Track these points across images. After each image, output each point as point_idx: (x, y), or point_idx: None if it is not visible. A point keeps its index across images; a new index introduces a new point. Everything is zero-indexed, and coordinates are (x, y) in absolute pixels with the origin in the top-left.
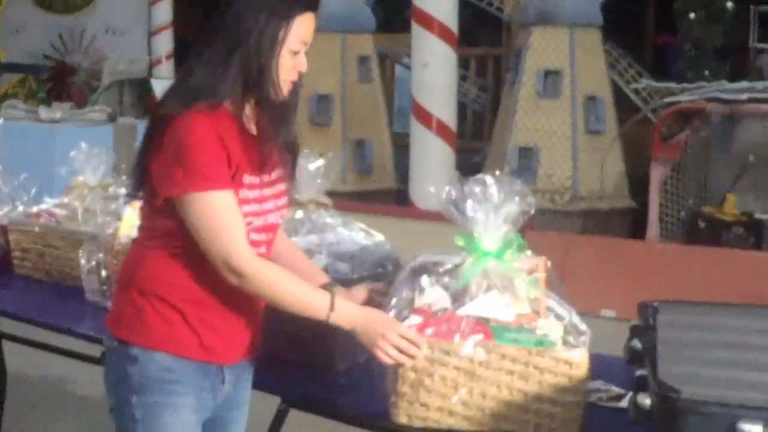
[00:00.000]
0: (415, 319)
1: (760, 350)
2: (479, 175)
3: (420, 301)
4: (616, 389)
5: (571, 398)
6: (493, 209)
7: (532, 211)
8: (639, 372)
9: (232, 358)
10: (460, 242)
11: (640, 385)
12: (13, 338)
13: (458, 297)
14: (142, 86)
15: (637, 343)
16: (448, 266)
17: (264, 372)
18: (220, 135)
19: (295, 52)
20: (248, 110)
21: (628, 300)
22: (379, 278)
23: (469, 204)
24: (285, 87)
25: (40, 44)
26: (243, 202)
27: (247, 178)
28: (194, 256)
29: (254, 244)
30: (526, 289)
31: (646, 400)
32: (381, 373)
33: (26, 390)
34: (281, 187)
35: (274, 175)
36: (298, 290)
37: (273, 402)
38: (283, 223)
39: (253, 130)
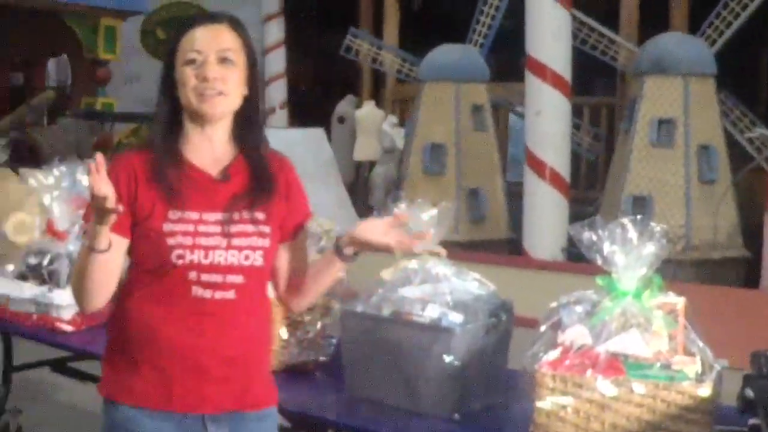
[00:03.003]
0: (554, 354)
1: None
2: (622, 219)
3: (562, 338)
4: None
5: (697, 429)
6: (631, 251)
7: (667, 254)
8: (752, 421)
9: (200, 409)
10: (600, 283)
11: None
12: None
13: (599, 335)
14: None
15: (749, 392)
16: (589, 306)
17: None
18: (124, 175)
19: (190, 61)
20: (198, 142)
21: (741, 349)
22: (491, 327)
23: (607, 246)
24: (197, 100)
25: (153, 93)
26: (168, 235)
27: (173, 213)
28: (137, 297)
29: (203, 285)
30: (663, 327)
31: None
32: (504, 420)
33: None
34: (244, 227)
35: (221, 215)
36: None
37: None
38: (391, 273)
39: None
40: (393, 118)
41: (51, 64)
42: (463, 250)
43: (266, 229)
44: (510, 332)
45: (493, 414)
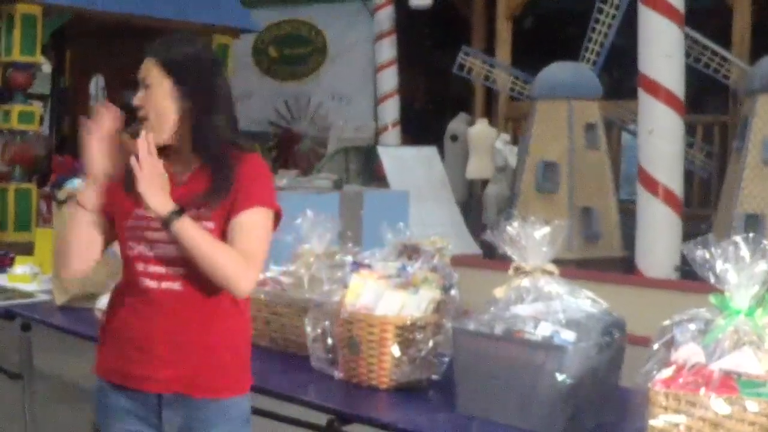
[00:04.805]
0: (667, 372)
1: None
2: (735, 237)
3: (675, 356)
4: None
5: None
6: (743, 269)
7: None
8: None
9: (149, 388)
10: (713, 301)
11: None
12: None
13: (712, 353)
14: (368, 154)
15: None
16: (702, 324)
17: None
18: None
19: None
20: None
21: None
22: (604, 346)
23: (720, 264)
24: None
25: (266, 112)
26: (126, 229)
27: (135, 212)
28: (114, 288)
29: (150, 275)
30: None
31: None
32: None
33: None
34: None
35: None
36: None
37: None
38: (503, 291)
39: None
40: (505, 136)
41: None
42: (576, 268)
43: (210, 224)
44: (623, 350)
45: None
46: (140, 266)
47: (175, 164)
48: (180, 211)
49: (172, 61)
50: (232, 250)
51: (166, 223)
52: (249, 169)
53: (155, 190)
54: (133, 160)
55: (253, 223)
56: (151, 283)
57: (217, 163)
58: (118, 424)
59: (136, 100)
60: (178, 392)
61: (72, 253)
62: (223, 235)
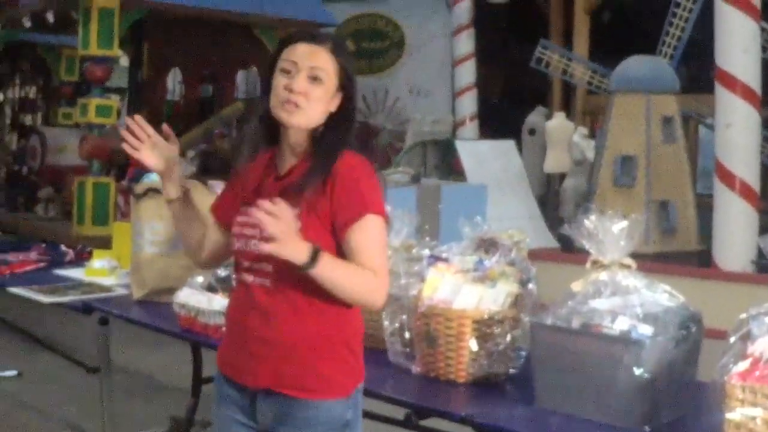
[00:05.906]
0: (743, 365)
1: None
2: None
3: (751, 349)
4: None
5: None
6: None
7: None
8: None
9: (245, 380)
10: None
11: None
12: None
13: None
14: (446, 147)
15: None
16: None
17: None
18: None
19: (284, 70)
20: (285, 147)
21: None
22: (681, 339)
23: None
24: (279, 107)
25: None
26: (234, 225)
27: (242, 207)
28: None
29: (246, 270)
30: None
31: None
32: None
33: None
34: None
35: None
36: None
37: None
38: (580, 285)
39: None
40: (583, 130)
41: (240, 76)
42: (653, 261)
43: (296, 210)
44: (699, 344)
45: (682, 426)
46: (241, 261)
47: (282, 157)
48: (316, 254)
49: (346, 69)
50: (363, 272)
51: (304, 269)
52: (346, 173)
53: (287, 244)
54: (260, 215)
55: (372, 235)
56: (248, 278)
57: (315, 162)
58: (224, 410)
59: (300, 86)
60: (267, 387)
61: (192, 246)
62: (310, 217)
